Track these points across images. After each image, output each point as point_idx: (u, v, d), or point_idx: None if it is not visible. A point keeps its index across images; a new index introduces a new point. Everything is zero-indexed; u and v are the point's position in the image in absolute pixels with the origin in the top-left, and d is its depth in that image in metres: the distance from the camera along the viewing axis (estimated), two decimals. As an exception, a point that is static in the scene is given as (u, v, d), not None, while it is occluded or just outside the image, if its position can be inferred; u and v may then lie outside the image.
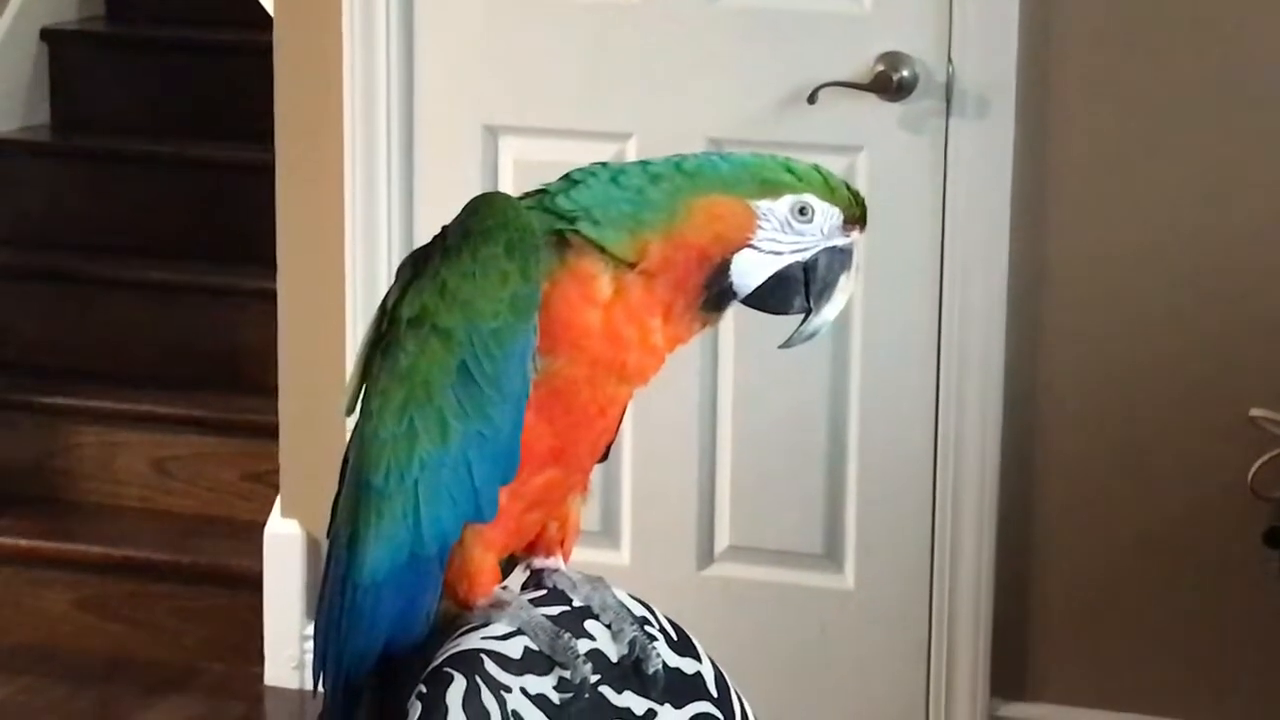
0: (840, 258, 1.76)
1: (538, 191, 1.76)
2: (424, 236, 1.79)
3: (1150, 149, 3.45)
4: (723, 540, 3.73)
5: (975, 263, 3.52)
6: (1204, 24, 3.40)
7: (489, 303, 1.69)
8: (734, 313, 1.79)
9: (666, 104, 3.60)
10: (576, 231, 1.71)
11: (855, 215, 1.76)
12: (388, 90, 3.73)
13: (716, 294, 1.74)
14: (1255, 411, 3.24)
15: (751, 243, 1.73)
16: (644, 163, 1.76)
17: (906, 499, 3.61)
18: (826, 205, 1.74)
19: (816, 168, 1.76)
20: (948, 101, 3.49)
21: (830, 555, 3.68)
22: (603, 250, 1.71)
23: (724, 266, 1.72)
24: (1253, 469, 3.20)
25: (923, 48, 3.48)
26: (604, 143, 3.57)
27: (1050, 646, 3.62)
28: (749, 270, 1.73)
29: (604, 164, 1.76)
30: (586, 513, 1.86)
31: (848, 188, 1.76)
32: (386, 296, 1.77)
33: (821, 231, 1.74)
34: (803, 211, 1.73)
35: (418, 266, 1.75)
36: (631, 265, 1.71)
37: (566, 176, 1.76)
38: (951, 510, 3.58)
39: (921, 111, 3.50)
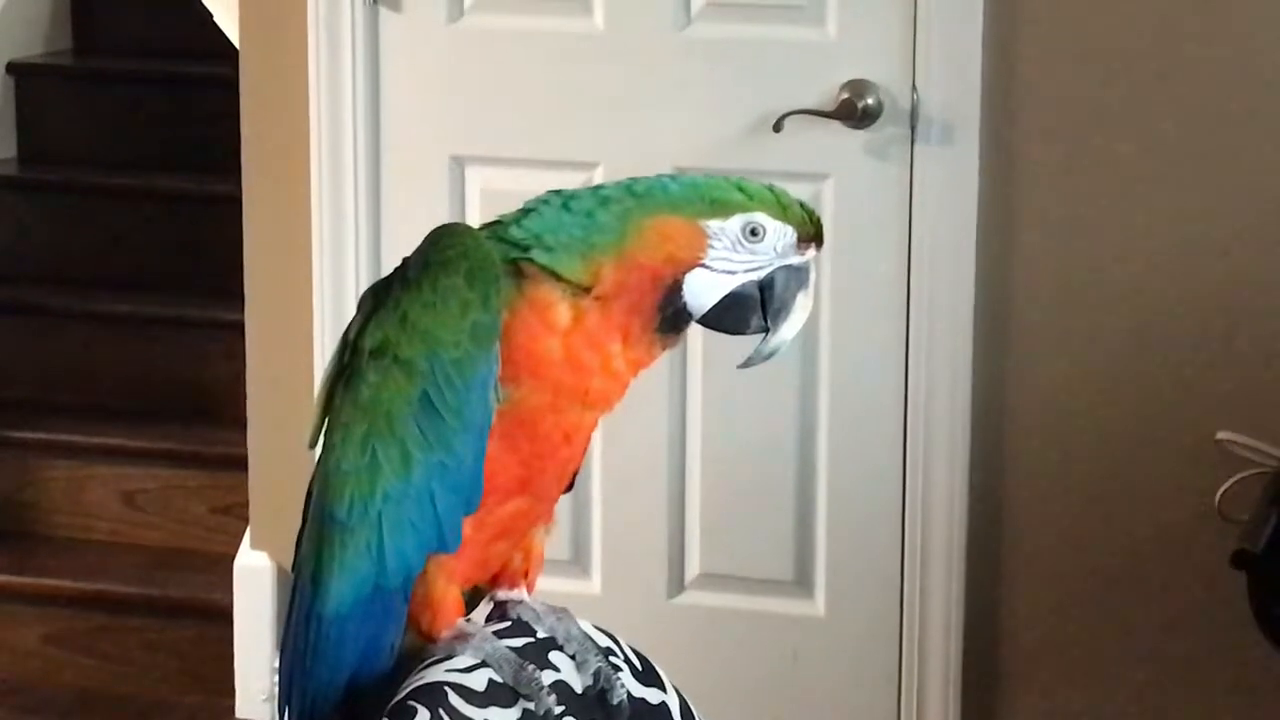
0: (796, 276, 1.76)
1: (493, 223, 1.77)
2: (391, 267, 1.79)
3: (1116, 175, 3.46)
4: (693, 568, 3.73)
5: (941, 289, 3.52)
6: (1170, 51, 3.41)
7: (450, 332, 1.69)
8: (702, 340, 1.80)
9: (633, 133, 3.61)
10: (530, 260, 1.71)
11: (810, 233, 1.76)
12: (354, 121, 3.73)
13: (672, 315, 1.73)
14: (1222, 434, 3.24)
15: (703, 262, 1.73)
16: (597, 187, 1.76)
17: (876, 525, 3.61)
18: (779, 224, 1.74)
19: (770, 187, 1.76)
20: (913, 128, 3.49)
21: (801, 582, 3.68)
22: (557, 277, 1.71)
23: (677, 287, 1.72)
24: (1220, 491, 3.20)
25: (887, 75, 3.49)
26: (571, 172, 3.57)
27: (1020, 671, 3.62)
28: (702, 290, 1.73)
29: (557, 191, 1.76)
30: (557, 542, 1.86)
31: (802, 206, 1.76)
32: (348, 328, 1.77)
33: (775, 250, 1.75)
34: (754, 232, 1.73)
35: (379, 298, 1.75)
36: (587, 290, 1.71)
37: (522, 206, 1.76)
38: (921, 536, 3.59)
39: (887, 139, 3.51)
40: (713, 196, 1.73)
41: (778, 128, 3.49)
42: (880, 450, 3.59)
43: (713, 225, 1.73)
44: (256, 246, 3.90)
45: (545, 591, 1.85)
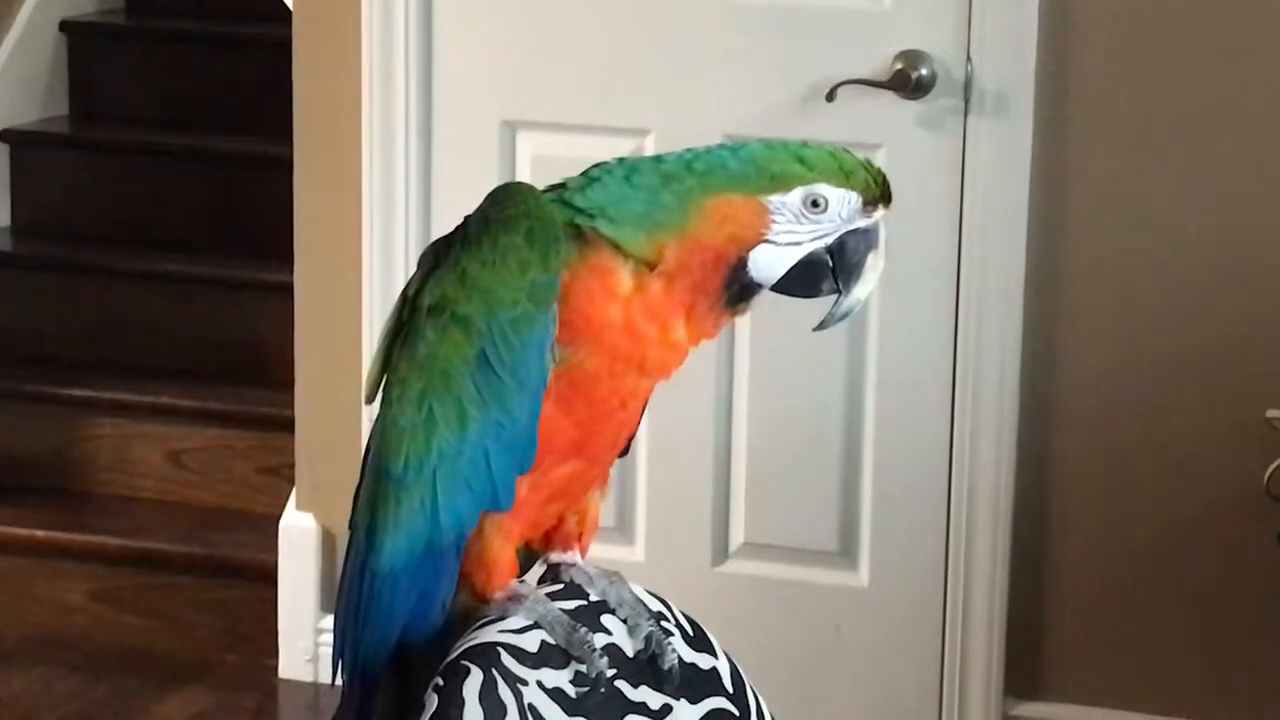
0: (865, 238, 1.74)
1: (557, 186, 1.76)
2: (441, 231, 1.79)
3: (1169, 149, 3.45)
4: (737, 537, 3.73)
5: (992, 261, 3.51)
6: (1226, 23, 3.40)
7: (508, 290, 1.69)
8: (749, 310, 1.79)
9: (684, 100, 3.60)
10: (595, 229, 1.71)
11: (875, 195, 1.73)
12: (406, 85, 3.73)
13: (739, 289, 1.73)
14: (1271, 413, 3.24)
15: (767, 238, 1.72)
16: (657, 159, 1.74)
17: (921, 497, 3.61)
18: (841, 191, 1.72)
19: (832, 153, 1.73)
20: (966, 100, 3.48)
21: (845, 552, 3.68)
22: (621, 250, 1.71)
23: (742, 264, 1.71)
24: (1268, 470, 3.20)
25: (941, 46, 3.48)
26: (622, 138, 3.57)
27: (1064, 646, 3.62)
28: (769, 263, 1.72)
29: (620, 160, 1.75)
30: (602, 508, 1.86)
31: (866, 169, 1.73)
32: (408, 285, 1.77)
33: (840, 217, 1.72)
34: (815, 203, 1.72)
35: (439, 256, 1.75)
36: (650, 265, 1.70)
37: (585, 173, 1.76)
38: (966, 509, 3.58)
39: (940, 110, 3.50)
40: (772, 171, 1.71)
41: (830, 97, 3.48)
42: (927, 422, 3.59)
43: (774, 200, 1.71)
44: (307, 209, 3.91)
45: (589, 557, 1.85)
